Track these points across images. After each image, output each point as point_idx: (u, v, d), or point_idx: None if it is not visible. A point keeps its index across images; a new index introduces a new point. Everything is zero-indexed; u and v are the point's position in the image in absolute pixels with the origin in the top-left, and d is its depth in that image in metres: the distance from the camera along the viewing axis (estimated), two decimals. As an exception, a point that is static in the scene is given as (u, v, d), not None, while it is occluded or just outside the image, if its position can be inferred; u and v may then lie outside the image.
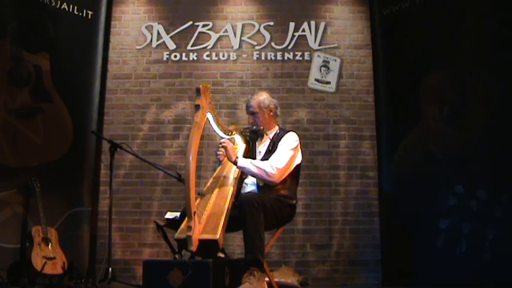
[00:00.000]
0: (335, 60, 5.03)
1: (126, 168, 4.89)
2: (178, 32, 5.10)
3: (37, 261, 3.86)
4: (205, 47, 5.08)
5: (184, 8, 5.16)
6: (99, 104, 4.92)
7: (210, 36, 5.09)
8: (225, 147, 3.16)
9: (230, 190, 3.10)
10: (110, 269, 3.94)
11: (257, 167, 3.13)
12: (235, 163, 3.16)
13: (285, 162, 3.18)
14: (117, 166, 4.67)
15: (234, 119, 4.83)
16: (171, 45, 5.08)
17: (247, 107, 3.38)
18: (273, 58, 5.06)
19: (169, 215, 3.81)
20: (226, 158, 3.29)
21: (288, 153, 3.20)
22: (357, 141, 4.92)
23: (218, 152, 3.26)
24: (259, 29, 5.09)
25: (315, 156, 4.87)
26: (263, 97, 3.37)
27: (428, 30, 4.57)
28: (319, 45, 5.06)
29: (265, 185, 3.18)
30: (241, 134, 3.36)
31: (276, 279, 3.78)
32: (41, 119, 4.52)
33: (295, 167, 3.28)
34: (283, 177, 3.18)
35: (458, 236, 4.17)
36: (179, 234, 2.88)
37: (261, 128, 3.33)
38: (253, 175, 3.17)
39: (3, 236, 4.14)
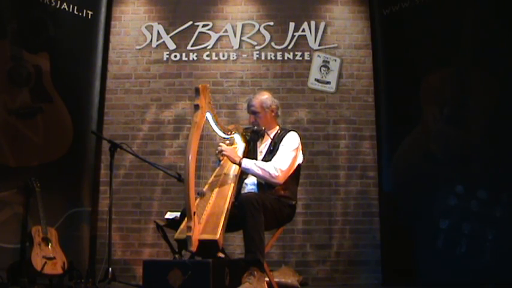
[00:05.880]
0: (335, 60, 5.03)
1: (126, 168, 4.89)
2: (178, 32, 5.09)
3: (37, 261, 3.86)
4: (205, 47, 5.08)
5: (184, 8, 5.15)
6: (99, 104, 4.91)
7: (210, 36, 5.09)
8: (225, 155, 3.19)
9: (230, 190, 3.10)
10: (110, 269, 3.95)
11: (261, 168, 3.14)
12: (239, 164, 3.18)
13: (288, 163, 3.19)
14: (117, 166, 4.67)
15: (234, 119, 4.83)
16: (171, 45, 5.08)
17: (249, 106, 3.38)
18: (273, 58, 5.05)
19: (169, 215, 3.81)
20: (225, 158, 3.29)
21: (290, 153, 3.21)
22: (357, 141, 4.91)
23: (217, 153, 3.27)
24: (259, 29, 5.09)
25: (315, 156, 4.87)
26: (265, 97, 3.38)
27: (428, 30, 4.56)
28: (319, 45, 5.06)
29: (265, 184, 3.19)
30: (242, 133, 3.36)
31: (276, 279, 3.78)
32: (41, 119, 4.51)
33: (295, 167, 3.28)
34: (286, 178, 3.19)
35: (458, 236, 4.17)
36: (179, 234, 2.88)
37: (262, 128, 3.33)
38: (257, 176, 3.18)
39: (3, 236, 4.13)
